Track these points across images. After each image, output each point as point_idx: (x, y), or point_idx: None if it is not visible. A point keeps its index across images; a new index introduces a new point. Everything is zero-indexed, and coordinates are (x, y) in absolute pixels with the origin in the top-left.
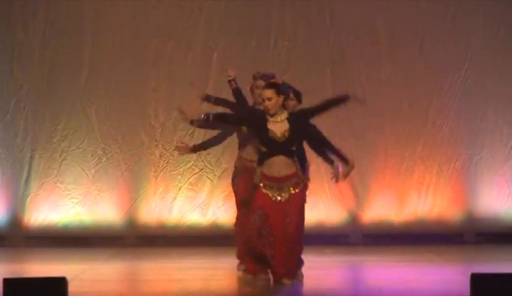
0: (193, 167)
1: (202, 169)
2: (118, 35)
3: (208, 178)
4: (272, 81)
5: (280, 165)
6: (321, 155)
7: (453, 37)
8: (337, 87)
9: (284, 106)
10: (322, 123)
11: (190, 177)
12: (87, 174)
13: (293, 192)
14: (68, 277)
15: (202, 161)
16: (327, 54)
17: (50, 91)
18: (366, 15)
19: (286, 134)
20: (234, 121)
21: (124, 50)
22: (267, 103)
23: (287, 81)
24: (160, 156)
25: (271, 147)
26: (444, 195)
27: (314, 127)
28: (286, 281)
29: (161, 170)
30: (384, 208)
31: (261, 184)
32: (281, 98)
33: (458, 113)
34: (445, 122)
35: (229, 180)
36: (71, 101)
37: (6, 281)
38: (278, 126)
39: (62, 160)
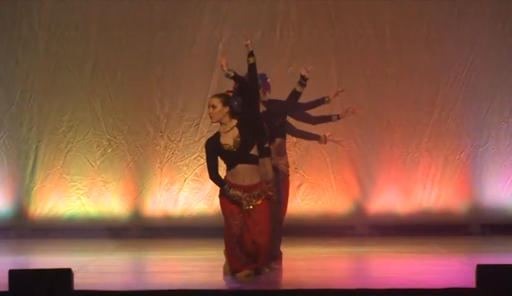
0: (198, 158)
1: None
2: (124, 27)
3: None
4: (224, 92)
5: (244, 174)
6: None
7: (459, 31)
8: (342, 80)
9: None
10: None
11: (195, 168)
12: (92, 165)
13: (258, 203)
14: (74, 269)
15: None
16: (333, 47)
17: (56, 82)
18: (371, 8)
19: (238, 140)
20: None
21: (129, 42)
22: (211, 110)
23: (291, 73)
24: (166, 147)
25: (230, 158)
26: (450, 186)
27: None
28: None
29: (167, 161)
30: (389, 199)
31: (229, 191)
32: (226, 109)
33: (464, 104)
34: (451, 114)
35: None
36: (77, 92)
37: (11, 272)
38: (229, 136)
39: (68, 151)
